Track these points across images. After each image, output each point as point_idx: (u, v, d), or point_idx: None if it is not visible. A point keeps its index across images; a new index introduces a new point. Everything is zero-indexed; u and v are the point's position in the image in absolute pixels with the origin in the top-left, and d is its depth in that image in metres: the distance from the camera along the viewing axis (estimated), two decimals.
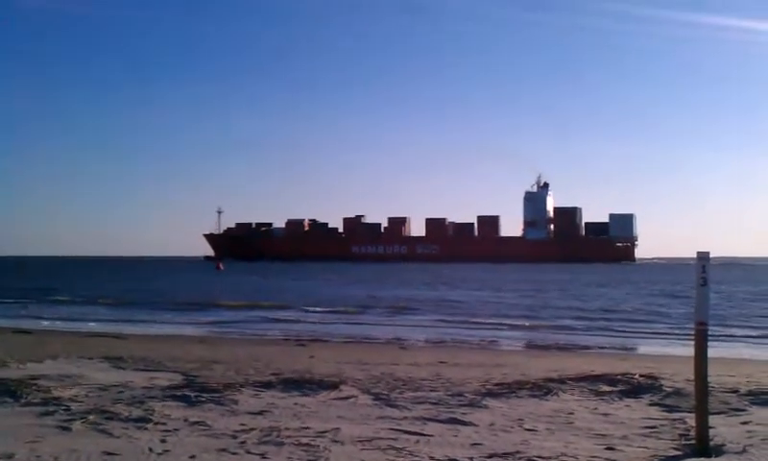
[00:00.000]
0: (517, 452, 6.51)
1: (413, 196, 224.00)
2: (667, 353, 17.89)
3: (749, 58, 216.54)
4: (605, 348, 20.59)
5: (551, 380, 10.42)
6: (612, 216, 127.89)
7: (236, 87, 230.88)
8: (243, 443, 6.79)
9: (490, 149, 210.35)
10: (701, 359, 6.51)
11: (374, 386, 10.09)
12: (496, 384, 10.30)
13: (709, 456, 6.40)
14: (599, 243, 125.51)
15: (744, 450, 6.58)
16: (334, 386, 9.90)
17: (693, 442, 6.71)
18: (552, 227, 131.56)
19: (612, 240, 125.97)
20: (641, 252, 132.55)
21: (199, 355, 14.27)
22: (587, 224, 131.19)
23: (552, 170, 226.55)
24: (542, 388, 9.87)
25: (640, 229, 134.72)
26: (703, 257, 6.44)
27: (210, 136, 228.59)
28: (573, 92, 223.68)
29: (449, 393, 9.60)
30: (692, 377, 6.80)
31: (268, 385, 10.02)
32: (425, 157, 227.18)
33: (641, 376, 10.62)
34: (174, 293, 43.84)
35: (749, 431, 7.38)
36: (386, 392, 9.64)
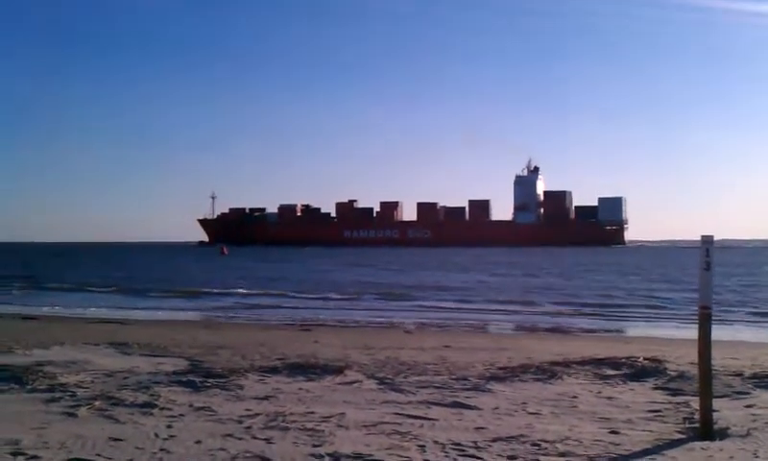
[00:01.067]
0: (521, 436, 6.53)
1: (405, 181, 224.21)
2: (671, 337, 17.89)
3: (740, 38, 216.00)
4: (609, 331, 20.64)
5: (555, 364, 10.44)
6: (600, 200, 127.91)
7: (230, 73, 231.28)
8: (248, 428, 6.81)
9: (482, 133, 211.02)
10: (705, 342, 6.51)
11: (379, 371, 10.12)
12: (500, 368, 10.32)
13: (713, 440, 6.41)
14: (588, 226, 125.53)
15: (748, 434, 6.60)
16: (339, 371, 9.93)
17: (697, 425, 6.72)
18: (542, 210, 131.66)
19: (601, 223, 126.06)
20: (632, 234, 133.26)
21: (204, 341, 14.32)
22: (576, 207, 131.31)
23: (544, 154, 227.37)
24: (546, 372, 9.88)
25: (631, 212, 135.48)
26: (707, 241, 6.43)
27: (204, 122, 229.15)
28: (565, 76, 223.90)
29: (453, 377, 9.62)
30: (696, 361, 6.80)
31: (273, 370, 10.05)
32: (418, 142, 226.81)
33: (645, 359, 10.65)
34: (189, 279, 43.47)
35: (753, 415, 7.39)
36: (391, 376, 9.67)
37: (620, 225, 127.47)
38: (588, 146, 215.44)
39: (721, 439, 6.44)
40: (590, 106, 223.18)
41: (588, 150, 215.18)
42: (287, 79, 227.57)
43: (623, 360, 10.57)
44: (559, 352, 12.35)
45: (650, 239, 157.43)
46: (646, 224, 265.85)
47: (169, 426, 6.87)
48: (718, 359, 9.33)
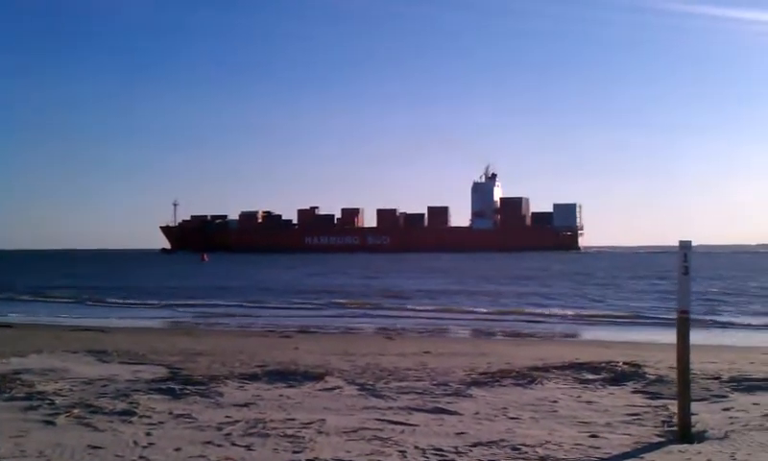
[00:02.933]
0: (502, 441, 6.55)
1: (367, 187, 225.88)
2: (650, 341, 18.01)
3: (710, 44, 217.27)
4: (587, 336, 20.74)
5: (535, 369, 10.48)
6: (555, 206, 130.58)
7: (190, 80, 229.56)
8: (228, 435, 6.79)
9: (442, 140, 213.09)
10: (683, 347, 6.56)
11: (360, 377, 10.12)
12: (481, 373, 10.35)
13: (692, 442, 6.46)
14: (543, 232, 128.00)
15: (726, 436, 6.66)
16: (319, 377, 9.91)
17: (676, 428, 6.78)
18: (498, 217, 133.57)
19: (556, 229, 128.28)
20: (588, 240, 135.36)
21: (183, 348, 14.24)
22: (533, 214, 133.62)
23: (504, 161, 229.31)
24: (527, 377, 9.92)
25: (588, 218, 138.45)
26: (685, 246, 6.49)
27: (167, 129, 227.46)
28: (526, 83, 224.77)
29: (434, 382, 9.64)
30: (675, 365, 6.86)
31: (253, 377, 10.03)
32: (380, 149, 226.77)
33: (625, 363, 10.72)
34: (185, 288, 42.54)
35: (730, 418, 7.46)
36: (371, 382, 9.67)
37: (574, 231, 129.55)
38: (546, 153, 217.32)
39: (699, 442, 6.50)
40: (549, 113, 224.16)
41: (546, 157, 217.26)
42: (248, 88, 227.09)
43: (603, 365, 10.63)
44: (538, 357, 12.39)
45: (607, 244, 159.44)
46: (605, 230, 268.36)
47: (148, 434, 6.83)
48: (696, 363, 9.39)
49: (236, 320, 25.30)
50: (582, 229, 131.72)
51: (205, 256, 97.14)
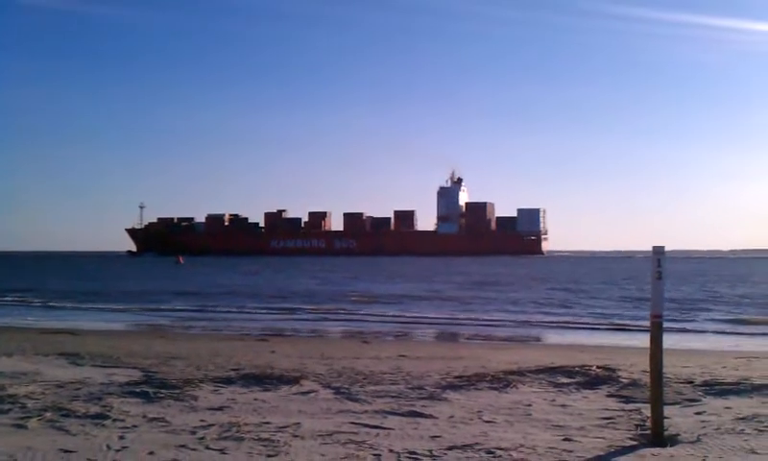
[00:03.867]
0: (476, 444, 6.56)
1: (334, 191, 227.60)
2: (624, 345, 18.14)
3: (675, 52, 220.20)
4: (561, 340, 20.84)
5: (510, 373, 10.53)
6: (519, 211, 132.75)
7: (158, 82, 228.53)
8: (202, 439, 6.75)
9: (409, 144, 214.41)
10: (656, 351, 6.62)
11: (335, 380, 10.11)
12: (456, 377, 10.38)
13: (664, 446, 6.52)
14: (508, 237, 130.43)
15: (698, 440, 6.72)
16: (295, 381, 9.89)
17: (649, 432, 6.83)
18: (464, 221, 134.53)
19: (520, 234, 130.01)
20: (553, 245, 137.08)
21: (158, 351, 14.14)
22: (498, 218, 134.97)
23: (472, 165, 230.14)
24: (502, 380, 9.96)
25: (552, 223, 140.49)
26: (658, 252, 6.55)
27: (132, 131, 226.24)
28: (494, 89, 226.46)
29: (410, 386, 9.65)
30: (648, 369, 6.91)
31: (228, 381, 9.98)
32: (347, 152, 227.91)
33: (599, 367, 10.79)
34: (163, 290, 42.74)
35: (703, 421, 7.53)
36: (347, 386, 9.66)
37: (538, 235, 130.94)
38: (517, 157, 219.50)
39: (672, 445, 6.55)
40: (521, 117, 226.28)
41: (512, 162, 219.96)
42: (217, 91, 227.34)
43: (577, 369, 10.69)
44: (513, 361, 12.45)
45: (571, 249, 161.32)
46: (569, 235, 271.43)
47: (121, 438, 6.77)
48: (669, 367, 9.48)
49: (212, 323, 25.17)
50: (546, 233, 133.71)
51: (181, 259, 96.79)
